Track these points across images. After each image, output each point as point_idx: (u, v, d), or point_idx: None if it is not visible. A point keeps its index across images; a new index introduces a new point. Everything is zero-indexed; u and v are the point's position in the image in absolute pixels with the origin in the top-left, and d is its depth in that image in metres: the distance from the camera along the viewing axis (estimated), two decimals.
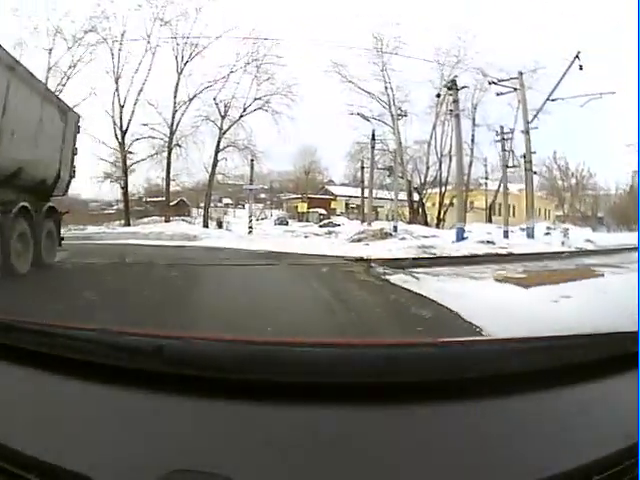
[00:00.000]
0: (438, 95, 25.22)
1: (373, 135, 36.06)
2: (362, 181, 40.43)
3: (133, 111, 37.25)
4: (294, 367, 1.07)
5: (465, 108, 35.20)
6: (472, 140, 37.85)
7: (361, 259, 14.70)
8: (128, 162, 37.61)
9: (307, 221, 44.88)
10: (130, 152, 37.59)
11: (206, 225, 36.67)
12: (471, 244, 19.72)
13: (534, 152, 26.53)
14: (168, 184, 37.86)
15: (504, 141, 28.15)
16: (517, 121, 27.78)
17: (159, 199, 39.40)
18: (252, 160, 36.14)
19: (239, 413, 1.01)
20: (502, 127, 29.39)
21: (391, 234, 25.27)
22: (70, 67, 34.99)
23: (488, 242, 20.44)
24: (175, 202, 41.17)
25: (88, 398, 1.08)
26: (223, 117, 37.73)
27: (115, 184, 38.36)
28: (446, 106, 31.43)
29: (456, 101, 24.07)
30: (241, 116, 37.89)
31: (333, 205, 49.76)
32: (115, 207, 41.84)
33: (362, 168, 39.86)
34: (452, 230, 30.93)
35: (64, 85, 34.72)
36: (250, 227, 33.76)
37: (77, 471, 0.88)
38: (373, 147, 35.92)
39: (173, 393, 1.04)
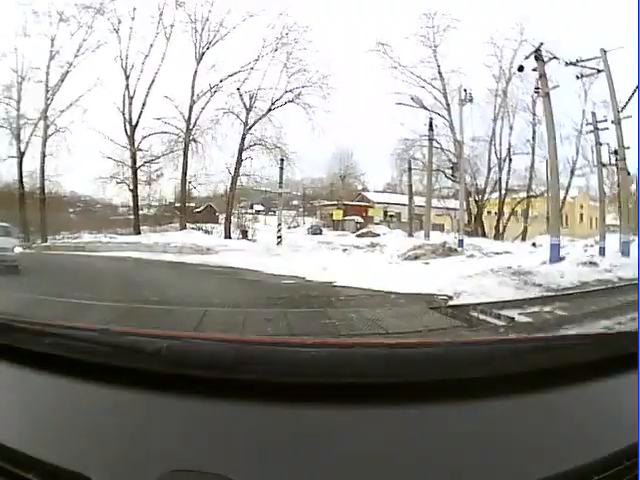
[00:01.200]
0: (520, 68, 19.98)
1: (430, 124, 29.59)
2: (410, 184, 34.56)
3: (144, 103, 32.77)
4: (294, 367, 1.06)
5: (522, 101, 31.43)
6: (533, 137, 32.62)
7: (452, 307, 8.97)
8: (138, 161, 33.46)
9: (343, 230, 39.88)
10: (140, 149, 33.35)
11: (228, 235, 31.87)
12: (573, 267, 14.47)
13: (628, 147, 20.76)
14: (184, 185, 33.32)
15: (597, 131, 22.46)
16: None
17: (185, 205, 35.10)
18: (282, 160, 30.54)
19: (239, 413, 1.01)
20: (594, 114, 23.23)
21: (455, 249, 20.93)
22: (75, 55, 32.11)
23: (591, 264, 15.11)
24: (202, 208, 37.64)
25: (88, 398, 1.08)
26: (248, 110, 32.41)
27: (123, 186, 34.28)
28: (503, 96, 27.10)
29: (543, 76, 18.36)
30: (269, 109, 32.43)
31: (370, 213, 44.55)
32: (143, 212, 36.77)
33: (409, 170, 34.11)
34: (520, 243, 26.09)
35: (68, 72, 32.42)
36: (279, 237, 28.52)
37: (77, 471, 0.88)
38: (431, 140, 29.53)
39: (173, 393, 1.03)
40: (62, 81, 32.92)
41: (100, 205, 39.93)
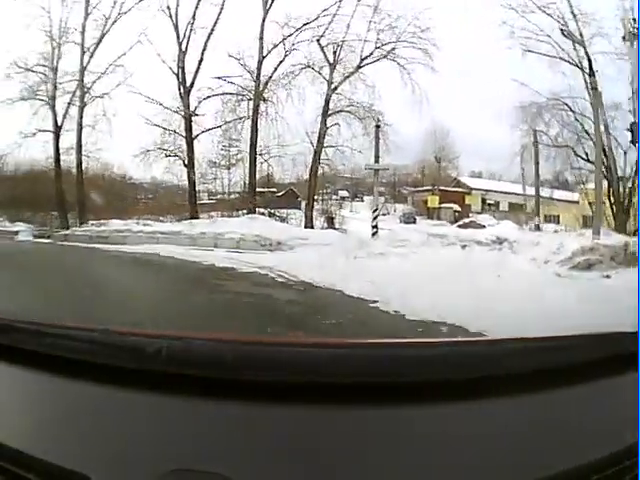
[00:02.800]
0: None
1: (591, 68, 19.30)
2: (537, 162, 26.00)
3: (201, 60, 26.34)
4: (294, 367, 1.07)
5: None
6: None
7: None
8: (195, 130, 26.98)
9: (439, 219, 33.65)
10: (196, 114, 26.71)
11: (310, 223, 24.89)
12: None
13: None
14: (253, 159, 26.08)
15: None
16: None
17: (264, 190, 28.98)
18: (378, 126, 22.94)
19: (239, 413, 1.01)
20: None
21: None
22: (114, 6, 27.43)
23: None
24: (283, 192, 31.92)
25: (88, 398, 1.08)
26: (332, 65, 25.46)
27: (174, 160, 27.74)
28: None
29: None
30: (359, 66, 25.30)
31: (467, 200, 38.30)
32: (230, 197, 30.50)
33: (535, 144, 25.59)
34: None
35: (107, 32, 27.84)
36: (375, 227, 20.73)
37: (77, 471, 0.88)
38: (595, 89, 18.35)
39: (173, 393, 1.04)
40: (100, 41, 28.46)
41: (147, 184, 34.65)
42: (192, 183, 27.09)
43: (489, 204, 38.74)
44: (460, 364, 1.09)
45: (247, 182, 26.57)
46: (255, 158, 26.08)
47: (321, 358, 1.08)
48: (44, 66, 28.84)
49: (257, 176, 26.91)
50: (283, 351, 1.14)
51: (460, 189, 39.46)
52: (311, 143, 25.69)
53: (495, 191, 38.16)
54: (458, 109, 58.13)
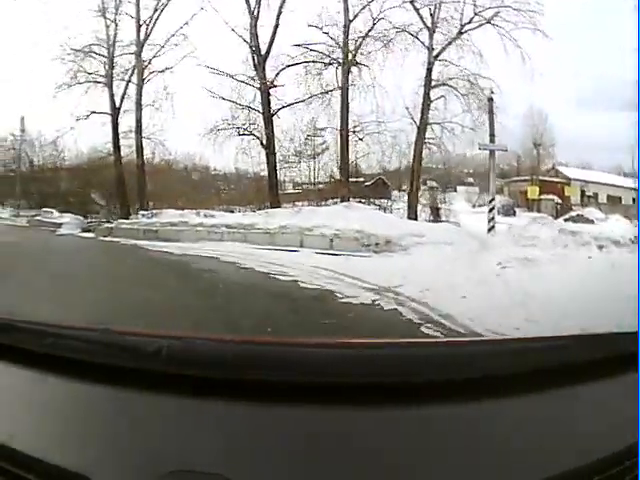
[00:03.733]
0: None
1: None
2: None
3: (276, 25, 22.47)
4: (294, 367, 1.07)
5: None
6: None
7: None
8: (273, 105, 23.07)
9: (539, 211, 29.20)
10: (274, 84, 22.81)
11: (414, 214, 20.81)
12: None
13: None
14: (345, 136, 21.93)
15: None
16: None
17: (354, 180, 24.84)
18: (491, 99, 18.63)
19: (239, 413, 1.01)
20: None
21: None
22: None
23: None
24: (372, 182, 27.93)
25: (88, 398, 1.09)
26: (432, 30, 21.34)
27: (250, 140, 23.94)
28: None
29: None
30: (460, 32, 21.01)
31: (567, 192, 33.66)
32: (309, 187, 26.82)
33: None
34: None
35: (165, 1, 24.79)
36: (492, 221, 16.05)
37: (77, 471, 0.88)
38: None
39: (173, 393, 1.04)
40: (158, 10, 25.42)
41: (215, 171, 31.19)
42: (272, 166, 23.11)
43: (588, 196, 34.45)
44: (460, 364, 1.09)
45: (339, 164, 22.62)
46: (347, 136, 21.84)
47: (321, 358, 1.08)
48: (98, 45, 26.39)
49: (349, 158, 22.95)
50: (283, 351, 1.14)
51: (559, 179, 35.33)
52: (412, 119, 21.58)
53: (595, 182, 34.50)
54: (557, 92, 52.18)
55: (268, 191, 23.04)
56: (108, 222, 24.15)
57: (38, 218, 27.35)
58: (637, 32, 11.02)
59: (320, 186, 25.22)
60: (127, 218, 23.85)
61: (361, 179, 26.18)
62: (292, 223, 15.55)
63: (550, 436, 0.97)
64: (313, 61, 22.76)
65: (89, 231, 23.52)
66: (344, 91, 21.95)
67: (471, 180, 37.79)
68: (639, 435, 0.94)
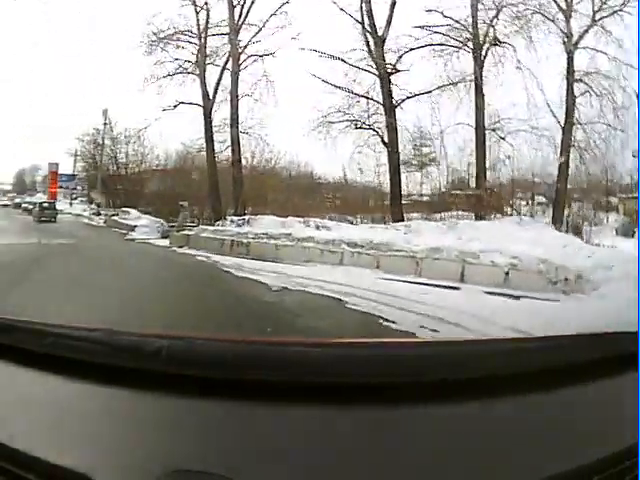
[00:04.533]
0: None
1: None
2: None
3: (393, 3, 18.77)
4: (294, 367, 1.07)
5: None
6: None
7: None
8: (396, 96, 19.17)
9: None
10: (396, 69, 18.99)
11: (577, 230, 16.56)
12: None
13: None
14: (480, 133, 18.06)
15: None
16: None
17: (463, 192, 21.31)
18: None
19: (239, 413, 1.01)
20: None
21: None
22: None
23: None
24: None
25: (88, 398, 1.09)
26: (568, 13, 17.65)
27: (369, 136, 20.05)
28: None
29: None
30: (594, 16, 17.25)
31: None
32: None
33: None
34: None
35: None
36: None
37: (77, 471, 0.88)
38: None
39: (173, 393, 1.04)
40: None
41: (321, 179, 27.08)
42: (394, 167, 19.18)
43: None
44: (460, 364, 1.09)
45: (478, 167, 18.69)
46: (484, 134, 17.93)
47: (321, 358, 1.08)
48: (187, 32, 23.74)
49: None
50: (283, 351, 1.14)
51: None
52: (554, 117, 17.69)
53: None
54: None
55: (391, 199, 19.02)
56: (189, 228, 20.53)
57: (115, 218, 25.54)
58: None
59: (437, 195, 21.66)
60: (212, 224, 19.96)
61: (467, 191, 21.64)
62: (447, 244, 10.88)
63: (550, 436, 0.97)
64: (440, 44, 18.89)
65: (168, 237, 20.23)
66: (478, 79, 18.11)
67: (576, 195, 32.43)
68: (639, 435, 0.94)
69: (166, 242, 18.97)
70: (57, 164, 34.20)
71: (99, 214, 29.19)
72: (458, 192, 21.07)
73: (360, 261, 11.95)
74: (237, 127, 22.44)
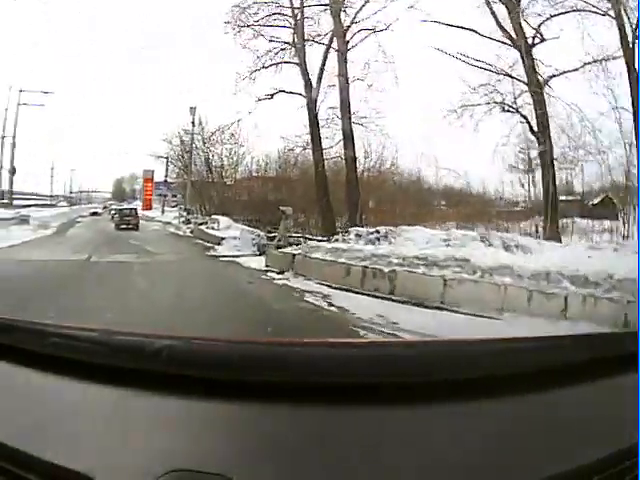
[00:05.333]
0: None
1: None
2: None
3: None
4: (294, 367, 1.07)
5: None
6: None
7: None
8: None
9: None
10: (542, 37, 16.26)
11: None
12: None
13: None
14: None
15: None
16: None
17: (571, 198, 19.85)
18: None
19: (239, 413, 1.01)
20: None
21: None
22: None
23: None
24: (599, 200, 21.69)
25: (88, 398, 1.09)
26: None
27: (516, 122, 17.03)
28: None
29: None
30: None
31: None
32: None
33: None
34: None
35: None
36: None
37: (77, 471, 0.89)
38: None
39: (173, 393, 1.04)
40: None
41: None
42: (547, 164, 15.71)
43: None
44: (460, 364, 1.09)
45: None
46: None
47: (321, 359, 1.08)
48: (278, 11, 20.30)
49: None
50: (284, 351, 1.14)
51: None
52: None
53: None
54: None
55: (545, 206, 15.57)
56: (293, 241, 15.58)
57: (202, 228, 21.68)
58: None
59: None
60: (326, 238, 15.45)
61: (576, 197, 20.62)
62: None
63: (550, 436, 0.97)
64: (585, 10, 15.32)
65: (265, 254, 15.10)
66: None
67: None
68: (639, 435, 0.94)
69: (261, 261, 13.95)
70: (152, 171, 34.05)
71: (189, 222, 25.81)
72: None
73: (600, 312, 6.97)
74: (349, 118, 18.62)
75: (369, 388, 1.02)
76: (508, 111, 16.55)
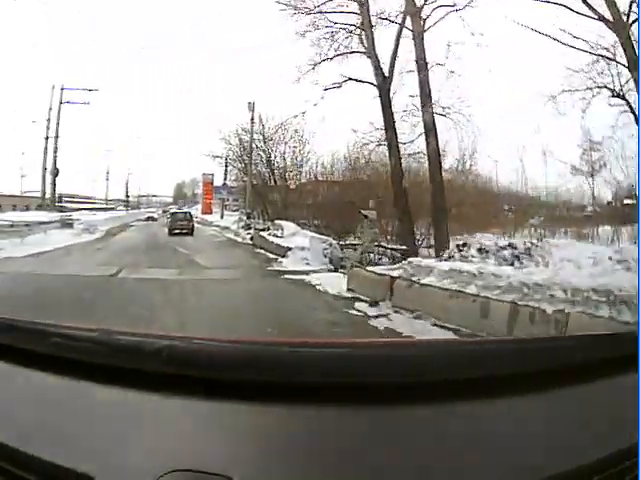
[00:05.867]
0: None
1: None
2: None
3: None
4: (294, 367, 1.07)
5: None
6: None
7: None
8: None
9: None
10: None
11: None
12: None
13: None
14: None
15: None
16: None
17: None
18: None
19: (239, 413, 1.01)
20: None
21: None
22: None
23: None
24: None
25: (88, 398, 1.09)
26: None
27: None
28: None
29: None
30: None
31: None
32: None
33: None
34: None
35: None
36: None
37: (78, 471, 0.89)
38: None
39: (173, 393, 1.04)
40: None
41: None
42: None
43: None
44: (460, 364, 1.09)
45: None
46: None
47: (321, 359, 1.08)
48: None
49: None
50: (283, 351, 1.14)
51: None
52: None
53: None
54: None
55: None
56: (380, 254, 13.06)
57: (263, 234, 19.21)
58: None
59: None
60: (437, 253, 12.11)
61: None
62: None
63: (550, 436, 0.97)
64: None
65: (343, 269, 12.20)
66: None
67: None
68: (639, 435, 0.94)
69: (339, 281, 10.81)
70: (212, 175, 32.81)
71: (249, 227, 23.64)
72: None
73: None
74: (431, 107, 16.36)
75: (370, 388, 1.02)
76: (618, 96, 15.07)
